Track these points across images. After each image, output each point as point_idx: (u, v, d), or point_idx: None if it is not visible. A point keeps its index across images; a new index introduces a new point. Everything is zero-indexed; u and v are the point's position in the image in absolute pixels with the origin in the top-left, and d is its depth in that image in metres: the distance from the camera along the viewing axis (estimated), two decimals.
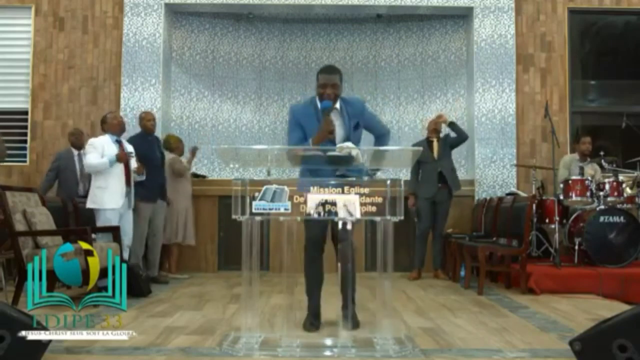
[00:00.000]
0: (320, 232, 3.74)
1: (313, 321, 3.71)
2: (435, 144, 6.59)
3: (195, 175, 7.21)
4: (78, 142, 6.67)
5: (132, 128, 6.51)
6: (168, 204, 6.34)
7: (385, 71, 8.28)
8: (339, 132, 3.70)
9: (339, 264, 3.45)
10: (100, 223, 5.35)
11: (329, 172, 3.41)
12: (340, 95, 3.76)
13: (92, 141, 5.51)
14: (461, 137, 6.63)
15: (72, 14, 7.51)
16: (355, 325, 3.64)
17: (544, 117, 6.41)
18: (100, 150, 5.37)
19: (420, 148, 3.54)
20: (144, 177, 5.65)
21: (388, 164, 3.76)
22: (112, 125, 5.54)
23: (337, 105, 3.74)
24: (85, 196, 5.96)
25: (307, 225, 3.71)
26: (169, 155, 6.50)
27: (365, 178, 3.29)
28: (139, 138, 6.04)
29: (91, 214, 5.50)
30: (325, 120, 3.59)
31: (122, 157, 5.39)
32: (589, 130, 7.65)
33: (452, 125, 6.64)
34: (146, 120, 6.16)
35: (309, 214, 3.16)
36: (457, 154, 7.61)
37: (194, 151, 6.75)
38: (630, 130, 6.71)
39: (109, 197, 5.36)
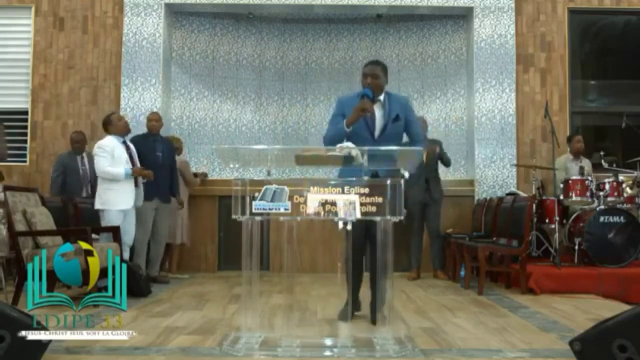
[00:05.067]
0: (360, 233, 3.70)
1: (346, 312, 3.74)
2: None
3: (195, 175, 7.22)
4: (82, 147, 6.60)
5: (132, 128, 6.50)
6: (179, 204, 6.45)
7: None
8: (379, 122, 3.86)
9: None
10: (105, 223, 5.35)
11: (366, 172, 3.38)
12: (383, 87, 3.90)
13: (101, 144, 5.45)
14: (444, 163, 6.64)
15: (72, 14, 7.51)
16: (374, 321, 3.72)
17: (544, 117, 6.41)
18: (110, 154, 5.38)
19: (420, 148, 3.55)
20: (145, 180, 5.66)
21: (387, 164, 3.75)
22: (117, 127, 5.53)
23: (381, 97, 3.89)
24: (88, 199, 6.00)
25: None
26: (178, 158, 6.56)
27: (365, 178, 3.28)
28: (139, 138, 6.06)
29: (91, 214, 5.52)
30: (361, 101, 3.70)
31: (137, 173, 5.45)
32: (589, 130, 7.66)
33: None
34: (147, 120, 6.19)
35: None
36: (457, 154, 7.62)
37: (204, 177, 7.28)
38: (630, 130, 6.71)
39: (119, 198, 5.38)
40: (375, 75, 3.85)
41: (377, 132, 3.85)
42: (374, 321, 3.69)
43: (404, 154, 3.37)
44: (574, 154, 6.73)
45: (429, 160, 6.51)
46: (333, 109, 4.00)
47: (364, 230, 3.73)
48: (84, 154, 6.57)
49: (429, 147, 6.48)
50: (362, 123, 3.79)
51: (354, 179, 3.20)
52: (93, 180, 6.37)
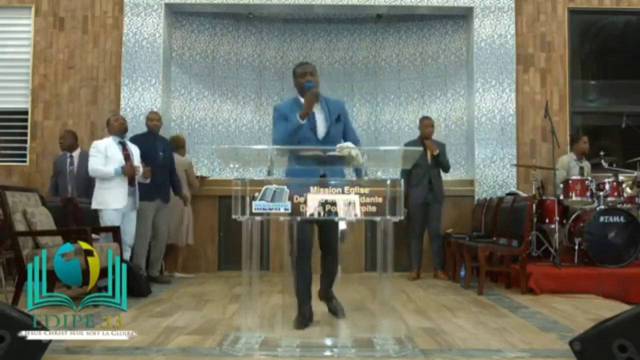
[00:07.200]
0: (310, 233, 3.76)
1: (302, 319, 3.73)
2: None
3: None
4: (66, 144, 6.66)
5: (132, 128, 6.51)
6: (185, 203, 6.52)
7: (385, 71, 8.27)
8: (321, 126, 3.83)
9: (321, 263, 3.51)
10: (104, 223, 5.37)
11: (314, 172, 3.43)
12: (317, 87, 3.86)
13: (95, 144, 5.55)
14: (443, 165, 6.60)
15: (72, 14, 7.51)
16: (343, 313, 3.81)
17: (544, 117, 6.41)
18: (103, 153, 5.42)
19: (420, 148, 3.55)
20: (147, 181, 5.67)
21: (387, 164, 3.76)
22: (113, 127, 5.63)
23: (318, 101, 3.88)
24: (77, 196, 6.02)
25: (298, 227, 3.70)
26: (181, 159, 6.55)
27: (366, 178, 3.29)
28: (140, 137, 6.08)
29: (91, 214, 5.52)
30: (309, 91, 3.72)
31: (127, 171, 5.44)
32: (589, 130, 7.65)
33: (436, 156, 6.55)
34: (148, 119, 6.22)
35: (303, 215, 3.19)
36: (457, 154, 7.62)
37: (202, 179, 7.22)
38: (630, 130, 6.71)
39: (113, 197, 5.40)
40: (313, 72, 3.86)
41: (320, 133, 3.81)
42: (335, 313, 3.79)
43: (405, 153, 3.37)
44: (579, 154, 6.71)
45: (433, 161, 6.51)
46: (273, 118, 3.97)
47: (313, 233, 3.76)
48: (74, 154, 6.60)
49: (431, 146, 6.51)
50: (306, 125, 3.75)
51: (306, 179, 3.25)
52: (79, 179, 6.40)
